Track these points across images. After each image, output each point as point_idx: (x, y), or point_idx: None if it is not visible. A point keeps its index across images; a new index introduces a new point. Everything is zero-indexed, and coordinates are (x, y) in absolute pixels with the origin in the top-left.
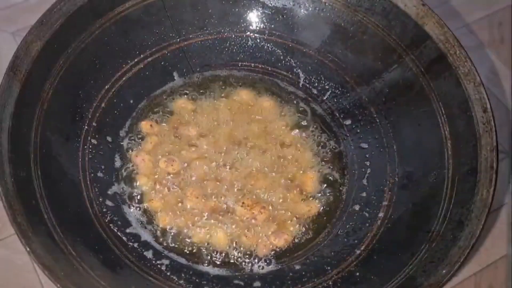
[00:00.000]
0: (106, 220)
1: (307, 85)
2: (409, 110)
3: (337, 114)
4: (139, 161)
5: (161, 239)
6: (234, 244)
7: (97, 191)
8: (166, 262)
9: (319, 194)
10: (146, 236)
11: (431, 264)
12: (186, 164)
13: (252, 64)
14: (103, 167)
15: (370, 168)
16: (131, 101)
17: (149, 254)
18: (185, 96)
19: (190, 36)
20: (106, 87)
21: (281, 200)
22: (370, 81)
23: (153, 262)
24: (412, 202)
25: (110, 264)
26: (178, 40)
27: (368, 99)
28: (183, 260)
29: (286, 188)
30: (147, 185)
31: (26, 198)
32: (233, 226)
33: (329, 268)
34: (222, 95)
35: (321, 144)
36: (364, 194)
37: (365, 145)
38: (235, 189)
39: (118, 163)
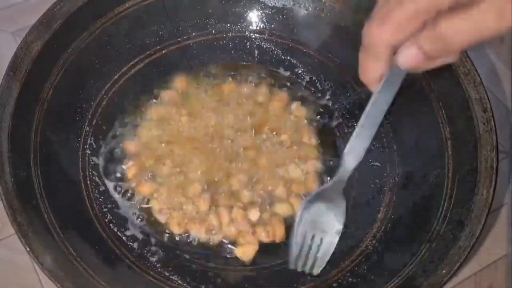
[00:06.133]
0: (106, 220)
1: (307, 85)
2: (409, 110)
3: (337, 114)
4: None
5: (161, 239)
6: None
7: (97, 191)
8: (165, 261)
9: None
10: (145, 235)
11: (431, 264)
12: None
13: (252, 64)
14: (103, 167)
15: (370, 168)
16: (132, 101)
17: (148, 253)
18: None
19: (190, 36)
20: (106, 87)
21: (280, 199)
22: None
23: (153, 262)
24: (412, 202)
25: (110, 264)
26: (178, 40)
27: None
28: (182, 260)
29: (285, 186)
30: (146, 189)
31: (26, 198)
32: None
33: (329, 268)
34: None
35: (321, 144)
36: (364, 194)
37: None
38: (235, 185)
39: (118, 163)
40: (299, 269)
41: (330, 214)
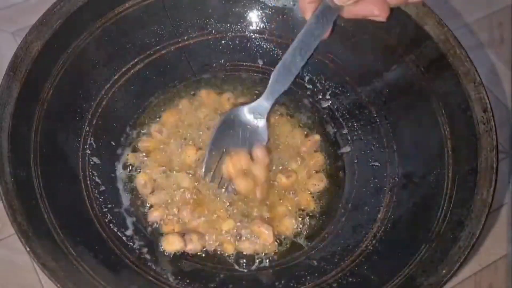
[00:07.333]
0: (106, 220)
1: (307, 85)
2: (409, 110)
3: (337, 114)
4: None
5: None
6: (232, 244)
7: (97, 191)
8: (165, 261)
9: (319, 194)
10: (145, 234)
11: (431, 264)
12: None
13: (252, 64)
14: (103, 167)
15: (370, 168)
16: (132, 101)
17: (148, 254)
18: (185, 96)
19: (190, 36)
20: (106, 87)
21: (280, 200)
22: (370, 81)
23: (153, 262)
24: (412, 202)
25: (110, 264)
26: (178, 40)
27: (368, 99)
28: (181, 260)
29: (285, 188)
30: (148, 191)
31: (26, 198)
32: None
33: (329, 268)
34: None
35: (321, 144)
36: (364, 194)
37: (365, 145)
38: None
39: (118, 163)
40: (209, 182)
41: (252, 130)
